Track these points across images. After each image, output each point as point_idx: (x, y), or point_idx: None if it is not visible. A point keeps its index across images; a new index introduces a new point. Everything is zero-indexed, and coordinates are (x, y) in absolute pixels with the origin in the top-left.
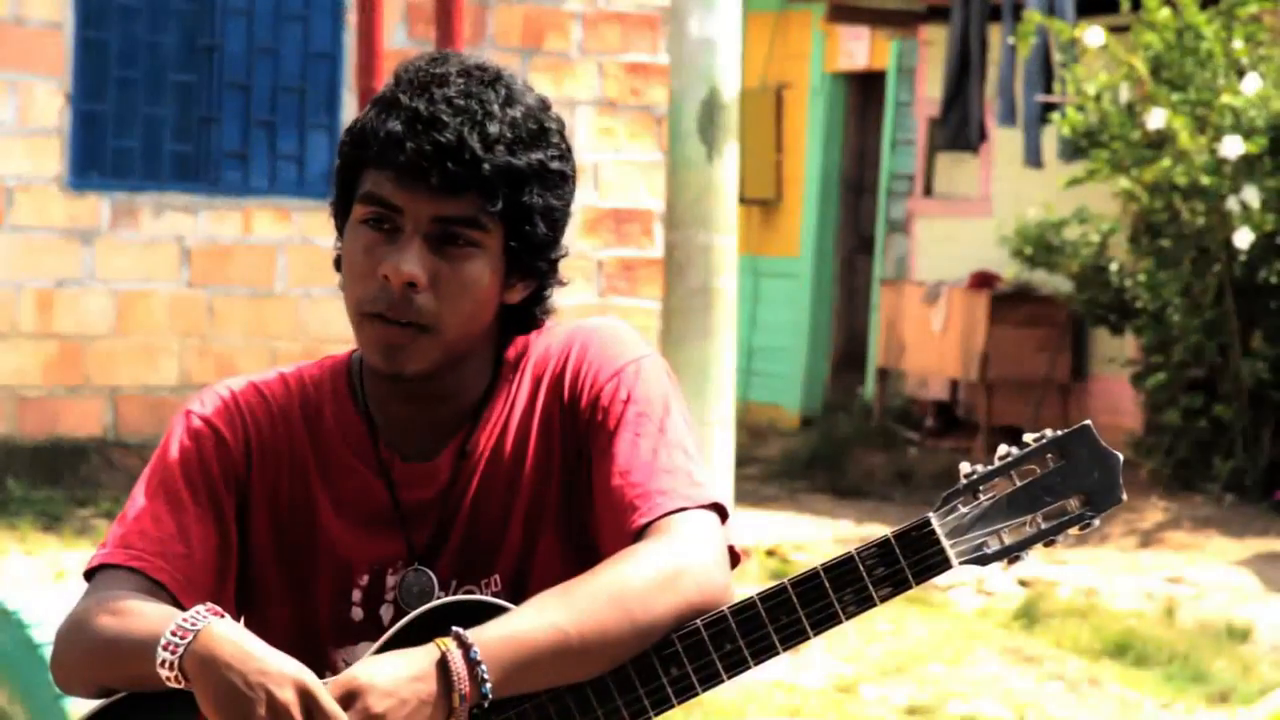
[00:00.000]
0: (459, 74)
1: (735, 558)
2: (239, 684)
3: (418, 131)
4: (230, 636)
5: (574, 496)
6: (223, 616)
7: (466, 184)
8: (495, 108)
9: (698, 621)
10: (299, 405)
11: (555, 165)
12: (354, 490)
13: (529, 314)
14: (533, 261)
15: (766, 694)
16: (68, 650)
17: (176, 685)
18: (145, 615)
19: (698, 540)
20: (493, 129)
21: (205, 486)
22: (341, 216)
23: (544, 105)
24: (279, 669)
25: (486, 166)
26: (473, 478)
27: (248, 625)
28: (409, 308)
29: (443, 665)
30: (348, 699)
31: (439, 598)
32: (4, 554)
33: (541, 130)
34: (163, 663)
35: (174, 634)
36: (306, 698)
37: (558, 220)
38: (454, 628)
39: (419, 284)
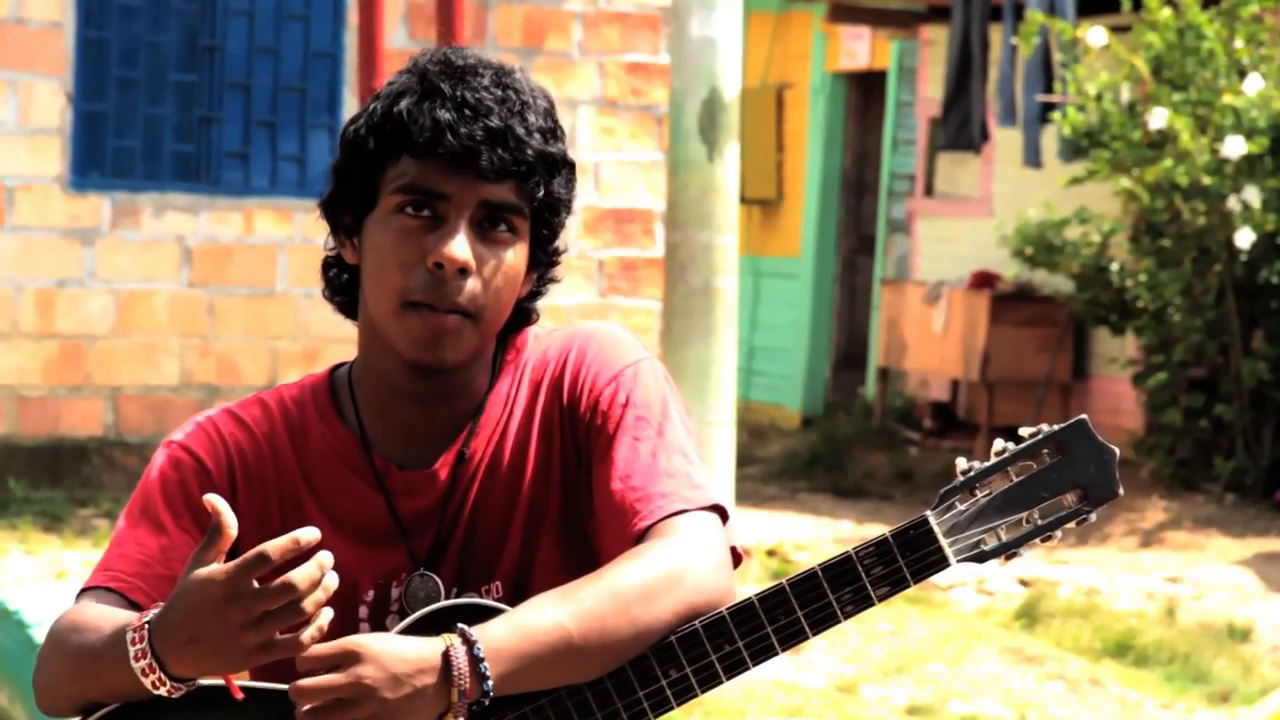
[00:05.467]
0: (482, 66)
1: (737, 559)
2: (192, 606)
3: (467, 118)
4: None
5: (574, 501)
6: None
7: (512, 170)
8: (529, 97)
9: (696, 623)
10: (283, 427)
11: (570, 157)
12: (350, 506)
13: (526, 310)
14: (551, 253)
15: (767, 694)
16: (45, 671)
17: (153, 679)
18: (113, 619)
19: (699, 542)
20: (531, 118)
21: (188, 511)
22: (353, 212)
23: (551, 99)
24: (217, 588)
25: (530, 152)
26: (472, 483)
27: None
28: (459, 294)
29: (445, 660)
30: (343, 658)
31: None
32: (5, 554)
33: (558, 123)
34: (136, 655)
35: (136, 628)
36: (243, 565)
37: (569, 212)
38: (459, 624)
39: (471, 269)
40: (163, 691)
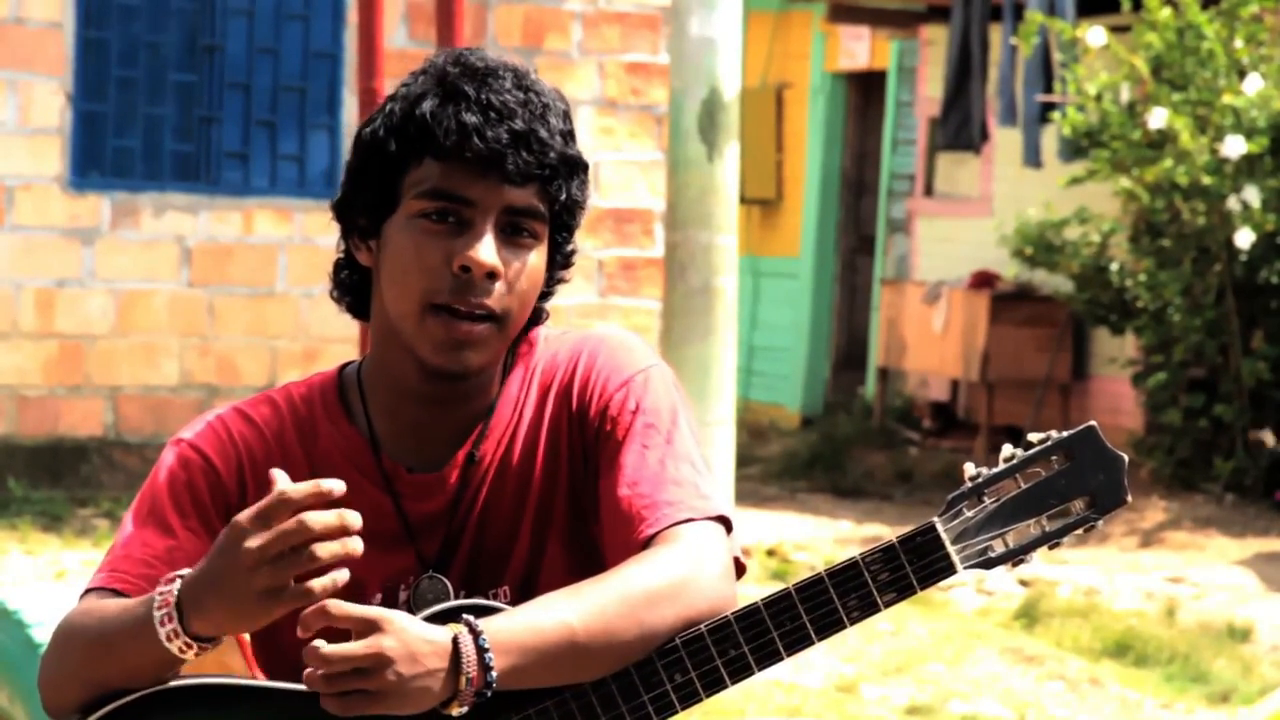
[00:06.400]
0: (502, 68)
1: (740, 570)
2: (216, 550)
3: (492, 121)
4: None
5: (581, 506)
6: None
7: (536, 173)
8: (549, 100)
9: (701, 627)
10: (292, 426)
11: (585, 158)
12: (359, 507)
13: (537, 309)
14: (567, 255)
15: (766, 693)
16: (59, 657)
17: (180, 647)
18: (128, 604)
19: (705, 551)
20: (552, 120)
21: (195, 511)
22: (370, 214)
23: (566, 100)
24: (240, 529)
25: (553, 155)
26: (482, 486)
27: (256, 651)
28: (485, 297)
29: (455, 647)
30: (365, 626)
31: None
32: (5, 554)
33: (573, 124)
34: (161, 620)
35: (161, 594)
36: (264, 506)
37: (584, 214)
38: (465, 615)
39: (498, 274)
40: (174, 647)
